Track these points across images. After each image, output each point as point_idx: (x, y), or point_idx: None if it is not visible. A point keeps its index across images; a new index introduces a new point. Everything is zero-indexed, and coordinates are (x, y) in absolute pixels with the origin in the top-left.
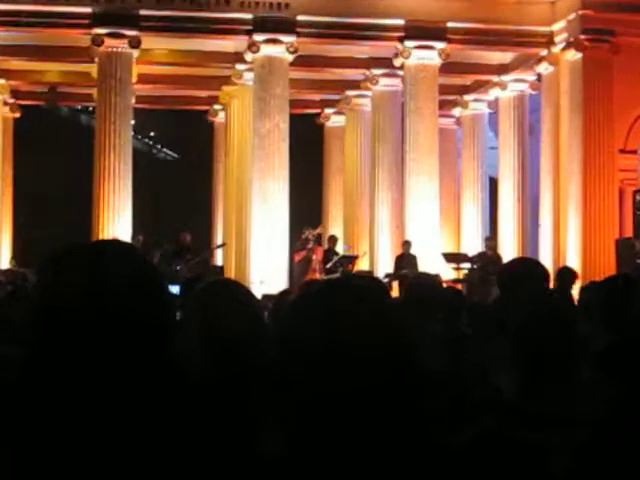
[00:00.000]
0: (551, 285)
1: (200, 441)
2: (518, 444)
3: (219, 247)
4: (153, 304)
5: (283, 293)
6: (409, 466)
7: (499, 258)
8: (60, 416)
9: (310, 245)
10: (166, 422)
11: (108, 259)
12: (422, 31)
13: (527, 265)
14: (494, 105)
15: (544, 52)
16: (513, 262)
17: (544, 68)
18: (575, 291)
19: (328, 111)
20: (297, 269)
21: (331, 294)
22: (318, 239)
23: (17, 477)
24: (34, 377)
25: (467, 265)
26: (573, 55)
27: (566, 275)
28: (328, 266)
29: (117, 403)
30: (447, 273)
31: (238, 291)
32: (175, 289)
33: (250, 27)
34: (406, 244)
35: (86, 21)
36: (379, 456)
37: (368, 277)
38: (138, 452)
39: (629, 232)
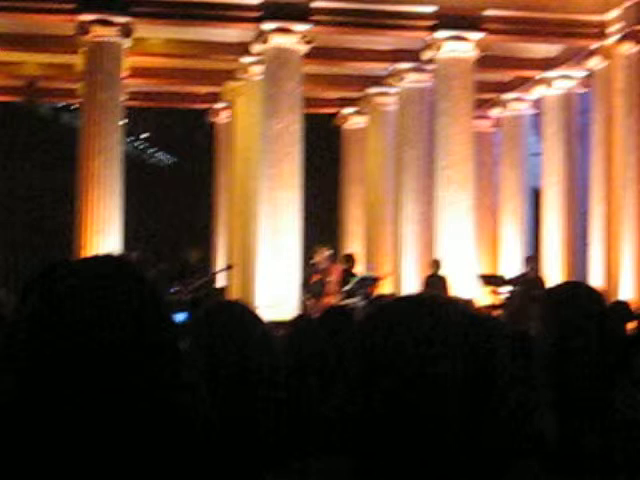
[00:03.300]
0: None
1: None
2: None
3: (225, 270)
4: (159, 333)
5: (298, 318)
6: None
7: (543, 281)
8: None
9: (324, 266)
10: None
11: (106, 280)
12: (455, 20)
13: (577, 290)
14: (537, 105)
15: (595, 45)
16: (560, 286)
17: (595, 63)
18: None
19: (347, 111)
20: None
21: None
22: (333, 258)
23: None
24: (12, 425)
25: (506, 289)
26: (629, 48)
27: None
28: (346, 288)
29: (112, 457)
30: (483, 298)
31: (245, 314)
32: (180, 316)
33: (258, 14)
34: (434, 264)
35: (70, 6)
36: None
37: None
38: None
39: None
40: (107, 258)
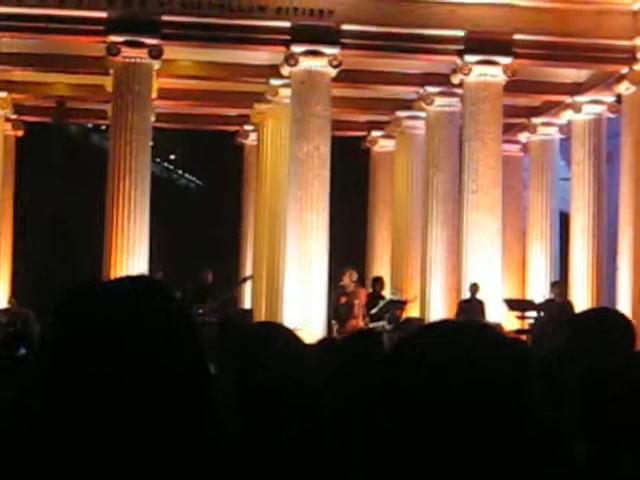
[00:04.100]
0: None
1: None
2: None
3: (245, 281)
4: (190, 353)
5: (323, 341)
6: None
7: (571, 306)
8: None
9: (351, 289)
10: None
11: (137, 302)
12: (485, 44)
13: (604, 316)
14: (566, 130)
15: (625, 70)
16: (587, 311)
17: (625, 88)
18: None
19: (375, 134)
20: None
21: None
22: (360, 280)
23: None
24: (42, 441)
25: (533, 314)
26: None
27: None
28: (373, 312)
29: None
30: (510, 322)
31: (281, 335)
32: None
33: (288, 37)
34: (473, 287)
35: (101, 27)
36: None
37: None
38: None
39: None
40: (138, 278)
